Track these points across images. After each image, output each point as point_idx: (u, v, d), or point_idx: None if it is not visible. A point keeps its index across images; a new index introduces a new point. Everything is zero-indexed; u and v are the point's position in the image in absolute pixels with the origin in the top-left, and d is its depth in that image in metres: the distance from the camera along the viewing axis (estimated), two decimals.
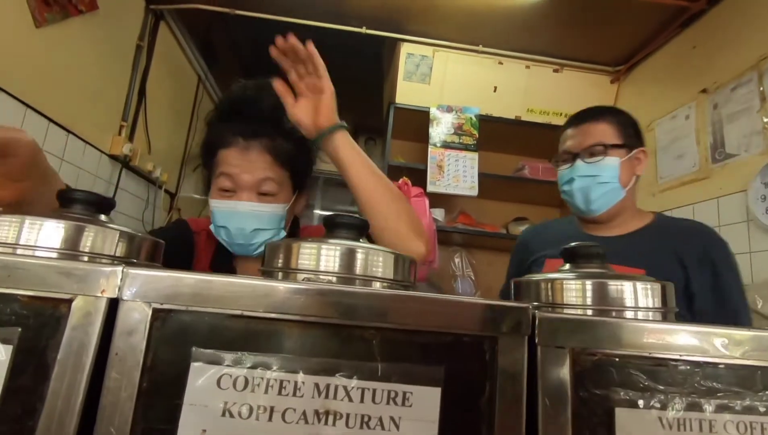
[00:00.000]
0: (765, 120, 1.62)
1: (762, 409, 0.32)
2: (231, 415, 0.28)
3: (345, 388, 0.29)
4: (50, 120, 1.71)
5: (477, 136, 2.46)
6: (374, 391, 0.29)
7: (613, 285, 0.42)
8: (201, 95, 3.00)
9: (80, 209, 0.46)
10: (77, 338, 0.28)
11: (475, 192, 2.38)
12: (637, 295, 0.42)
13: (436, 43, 2.44)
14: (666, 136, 2.11)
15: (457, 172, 2.42)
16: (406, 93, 2.48)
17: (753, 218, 1.57)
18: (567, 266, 0.50)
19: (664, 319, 0.41)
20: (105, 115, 2.10)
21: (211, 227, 0.88)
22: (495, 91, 2.52)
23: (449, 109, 2.49)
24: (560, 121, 2.55)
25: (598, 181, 1.03)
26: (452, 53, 2.47)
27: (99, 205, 0.48)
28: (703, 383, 0.33)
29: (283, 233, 0.90)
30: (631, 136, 1.09)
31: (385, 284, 0.43)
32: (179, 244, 0.92)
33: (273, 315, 0.30)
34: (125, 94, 2.22)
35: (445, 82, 2.49)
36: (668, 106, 2.10)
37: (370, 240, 0.70)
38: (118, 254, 0.44)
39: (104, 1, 1.92)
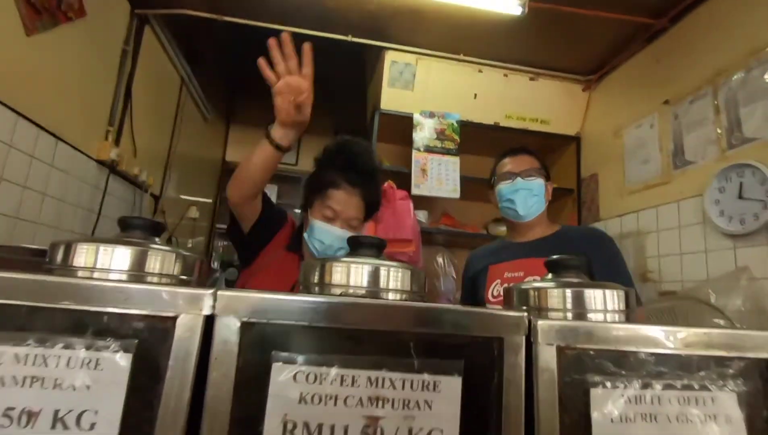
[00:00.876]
0: (719, 131, 1.79)
1: (696, 387, 0.43)
2: (305, 402, 0.37)
3: (390, 379, 0.38)
4: (41, 127, 1.72)
5: (458, 140, 2.58)
6: (412, 381, 0.39)
7: (587, 292, 0.53)
8: (184, 98, 3.01)
9: (140, 234, 0.54)
10: (183, 347, 0.36)
11: (457, 194, 2.50)
12: (606, 300, 0.53)
13: (419, 51, 2.54)
14: (633, 142, 2.28)
15: (439, 176, 2.53)
16: (391, 99, 2.57)
17: (708, 221, 1.74)
18: (550, 276, 0.61)
19: (627, 319, 0.51)
20: (92, 121, 2.11)
21: (305, 235, 1.19)
22: (475, 97, 2.64)
23: (431, 115, 2.59)
24: (536, 127, 2.70)
25: (533, 193, 1.39)
26: (434, 61, 2.57)
27: (154, 229, 0.55)
28: (654, 368, 0.43)
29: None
30: (545, 170, 1.48)
31: (405, 296, 0.52)
32: (280, 219, 1.28)
33: (333, 325, 0.39)
34: (111, 98, 2.23)
35: (428, 89, 2.59)
36: (635, 115, 2.27)
37: None
38: (175, 273, 0.52)
39: (91, 7, 1.93)
